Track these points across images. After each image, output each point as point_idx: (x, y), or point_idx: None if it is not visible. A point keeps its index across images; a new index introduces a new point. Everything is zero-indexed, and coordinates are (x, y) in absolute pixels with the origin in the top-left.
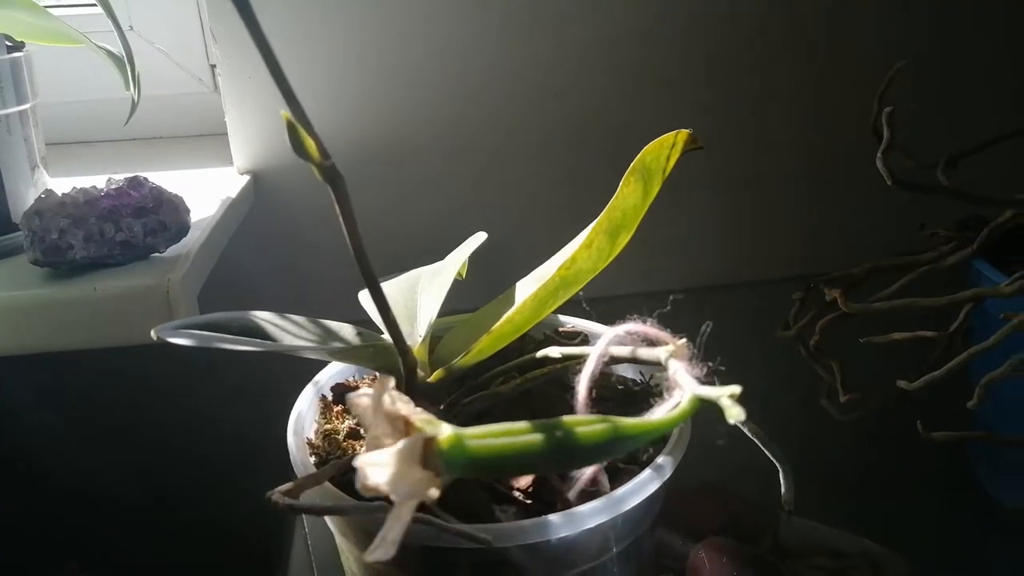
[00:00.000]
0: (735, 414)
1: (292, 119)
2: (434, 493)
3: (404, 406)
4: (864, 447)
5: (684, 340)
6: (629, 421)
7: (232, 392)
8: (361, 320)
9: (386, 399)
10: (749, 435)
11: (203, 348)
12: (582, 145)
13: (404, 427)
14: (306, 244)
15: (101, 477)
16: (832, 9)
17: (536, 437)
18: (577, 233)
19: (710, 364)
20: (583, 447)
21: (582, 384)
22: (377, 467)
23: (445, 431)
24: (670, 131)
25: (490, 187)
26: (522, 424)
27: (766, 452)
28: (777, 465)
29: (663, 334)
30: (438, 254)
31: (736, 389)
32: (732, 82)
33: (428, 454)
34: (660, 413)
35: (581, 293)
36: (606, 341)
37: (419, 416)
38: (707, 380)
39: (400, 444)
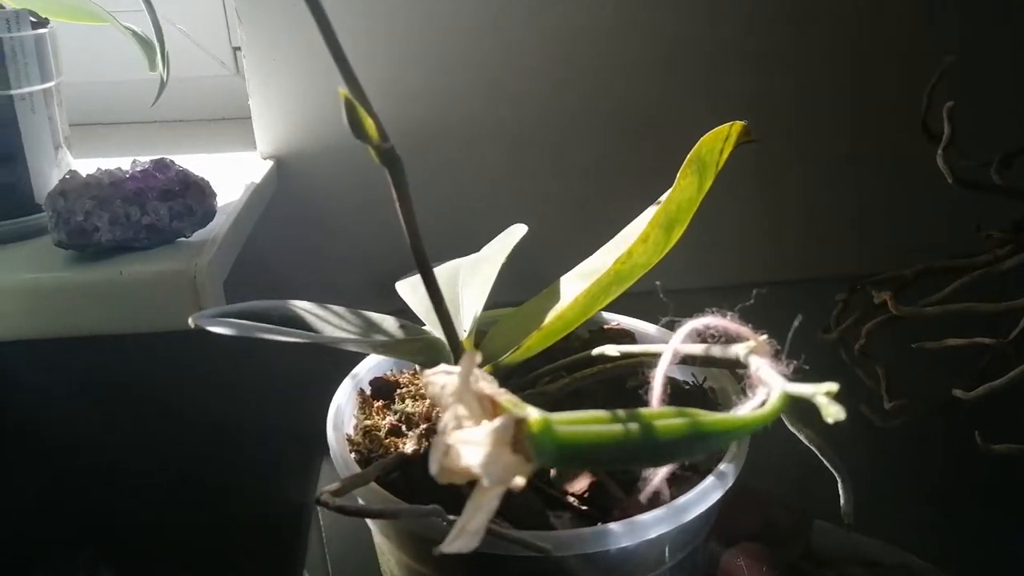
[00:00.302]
0: (833, 412)
1: (351, 98)
2: (521, 481)
3: (488, 385)
4: (902, 455)
5: (765, 336)
6: (712, 416)
7: (257, 382)
8: (391, 308)
9: (472, 377)
10: (806, 442)
11: (230, 336)
12: (610, 135)
13: (491, 407)
14: (330, 231)
15: (123, 463)
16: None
17: (622, 428)
18: (605, 225)
19: (794, 362)
20: (670, 441)
21: (656, 381)
22: (470, 445)
23: (534, 414)
24: (705, 125)
25: (516, 177)
26: (605, 413)
27: (824, 461)
28: (836, 475)
29: (744, 330)
30: (465, 243)
31: (833, 386)
32: (774, 75)
33: (518, 437)
34: (744, 411)
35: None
36: (681, 336)
37: (505, 396)
38: (794, 379)
39: (496, 423)
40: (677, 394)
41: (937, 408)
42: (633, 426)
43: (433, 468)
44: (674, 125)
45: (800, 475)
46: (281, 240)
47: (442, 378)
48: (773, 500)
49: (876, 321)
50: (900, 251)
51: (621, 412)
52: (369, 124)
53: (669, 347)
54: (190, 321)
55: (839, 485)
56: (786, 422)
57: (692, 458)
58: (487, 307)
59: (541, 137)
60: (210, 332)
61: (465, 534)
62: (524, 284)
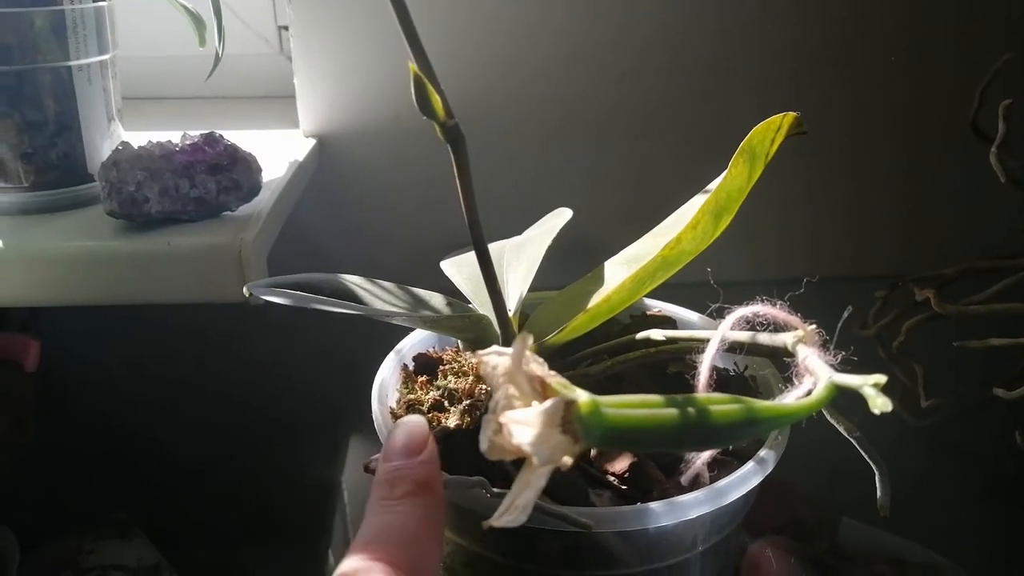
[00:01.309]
0: (880, 404)
1: (420, 74)
2: (568, 461)
3: (539, 367)
4: (931, 455)
5: (814, 326)
6: (763, 403)
7: (290, 362)
8: (431, 285)
9: (524, 358)
10: (845, 434)
11: (274, 308)
12: (658, 124)
13: (541, 388)
14: (371, 210)
15: (159, 432)
16: None
17: (672, 412)
18: (641, 212)
19: (843, 353)
20: (718, 426)
21: (704, 367)
22: (522, 426)
23: (582, 396)
24: (752, 117)
25: (556, 164)
26: (656, 397)
27: (863, 453)
28: (874, 468)
29: (793, 318)
30: (510, 225)
31: (881, 378)
32: (823, 70)
33: (568, 418)
34: (791, 399)
35: (709, 271)
36: (730, 322)
37: (555, 379)
38: (841, 369)
39: (547, 404)
40: (719, 381)
41: (973, 407)
42: (688, 410)
43: (483, 445)
44: (721, 117)
45: (829, 471)
46: (322, 217)
47: (494, 359)
48: (801, 495)
49: (918, 318)
50: (941, 251)
51: (675, 396)
52: (437, 101)
53: (718, 333)
54: (244, 290)
55: (876, 477)
56: (826, 413)
57: (739, 443)
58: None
59: (579, 128)
60: (251, 307)
61: (514, 509)
62: (564, 268)
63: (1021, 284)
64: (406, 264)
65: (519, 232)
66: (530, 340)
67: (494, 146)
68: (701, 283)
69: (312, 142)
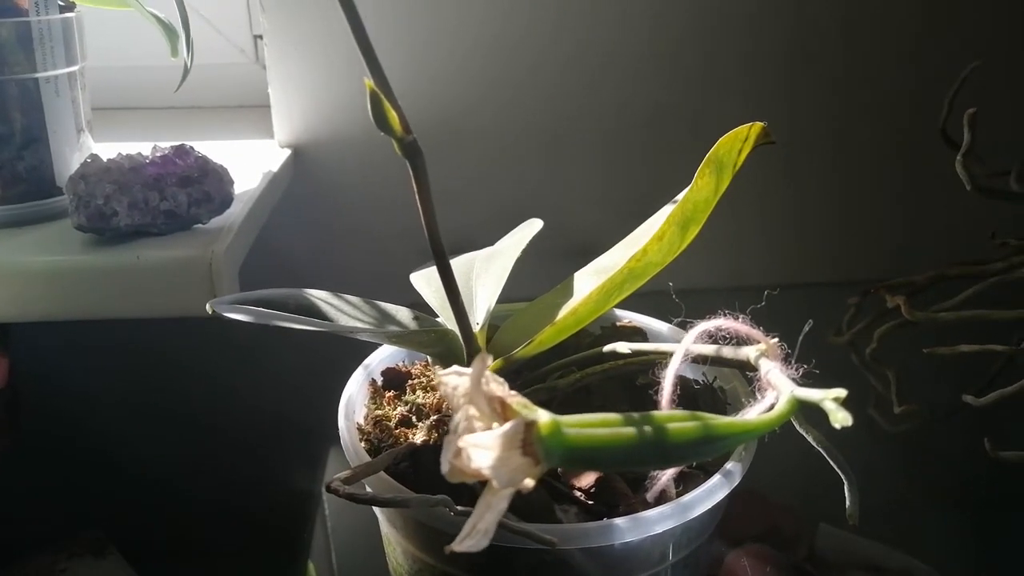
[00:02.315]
0: (840, 418)
1: (376, 90)
2: (530, 483)
3: (499, 387)
4: (908, 461)
5: (776, 339)
6: (722, 420)
7: (268, 371)
8: (406, 300)
9: (483, 379)
10: (814, 444)
11: (240, 322)
12: (628, 132)
13: (501, 409)
14: (346, 221)
15: (132, 447)
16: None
17: (630, 431)
18: (621, 222)
19: (805, 366)
20: (677, 444)
21: (667, 381)
22: (481, 449)
23: (543, 417)
24: (725, 125)
25: (535, 174)
26: (616, 416)
27: (831, 463)
28: (843, 477)
29: (755, 332)
30: (482, 241)
31: (841, 392)
32: (791, 77)
33: (528, 440)
34: (753, 414)
35: (671, 285)
36: (693, 336)
37: (515, 399)
38: (802, 382)
39: (506, 427)
40: (687, 393)
41: (946, 414)
42: (645, 429)
43: (444, 468)
44: (692, 123)
45: (805, 479)
46: (297, 229)
47: (454, 379)
48: (778, 503)
49: (889, 325)
50: (914, 257)
51: (633, 415)
52: (393, 116)
53: (680, 347)
54: (208, 307)
55: (845, 487)
56: (795, 423)
57: (700, 460)
58: (501, 301)
59: (557, 138)
60: (224, 319)
61: (476, 533)
62: (539, 280)
63: (990, 291)
64: (382, 276)
65: (493, 243)
66: (489, 360)
67: (466, 156)
68: (673, 291)
69: (287, 152)
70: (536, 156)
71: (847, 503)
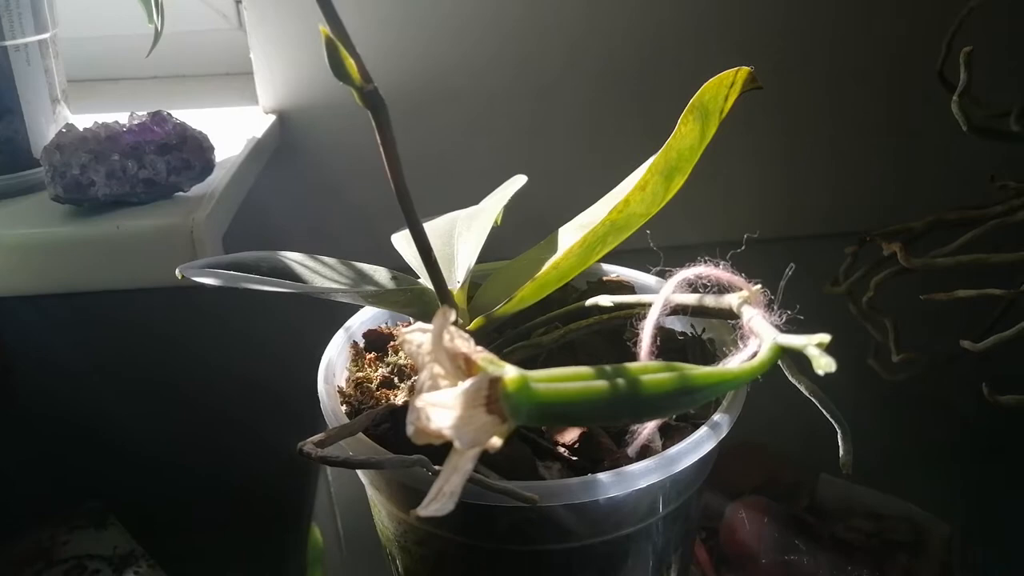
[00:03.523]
0: (824, 364)
1: (332, 37)
2: (497, 442)
3: (464, 343)
4: (910, 408)
5: (759, 286)
6: (700, 370)
7: (258, 336)
8: (394, 265)
9: (446, 335)
10: (807, 393)
11: (229, 289)
12: (619, 88)
13: (465, 366)
14: (335, 186)
15: (122, 418)
16: None
17: (603, 384)
18: (616, 178)
19: (787, 312)
20: (652, 396)
21: (646, 332)
22: (441, 408)
23: (510, 372)
24: (713, 73)
25: (524, 131)
26: (588, 369)
27: (824, 412)
28: (836, 426)
29: (737, 279)
30: (473, 200)
31: (825, 338)
32: (782, 20)
33: (493, 397)
34: (735, 363)
35: (640, 238)
36: (672, 286)
37: (481, 355)
38: (785, 330)
39: (467, 384)
40: (675, 345)
41: (945, 361)
42: (618, 381)
43: (409, 430)
44: (682, 72)
45: (806, 429)
46: (284, 196)
47: (418, 337)
48: (778, 454)
49: (885, 273)
50: (912, 205)
51: (606, 367)
52: (351, 64)
53: (659, 297)
54: (177, 272)
55: (839, 436)
56: (786, 372)
57: (678, 412)
58: (488, 259)
59: (549, 94)
60: (211, 287)
61: (441, 496)
62: (536, 238)
63: (989, 235)
64: (371, 241)
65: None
66: (452, 315)
67: (459, 118)
68: (664, 247)
69: (272, 118)
70: (521, 115)
71: (841, 452)
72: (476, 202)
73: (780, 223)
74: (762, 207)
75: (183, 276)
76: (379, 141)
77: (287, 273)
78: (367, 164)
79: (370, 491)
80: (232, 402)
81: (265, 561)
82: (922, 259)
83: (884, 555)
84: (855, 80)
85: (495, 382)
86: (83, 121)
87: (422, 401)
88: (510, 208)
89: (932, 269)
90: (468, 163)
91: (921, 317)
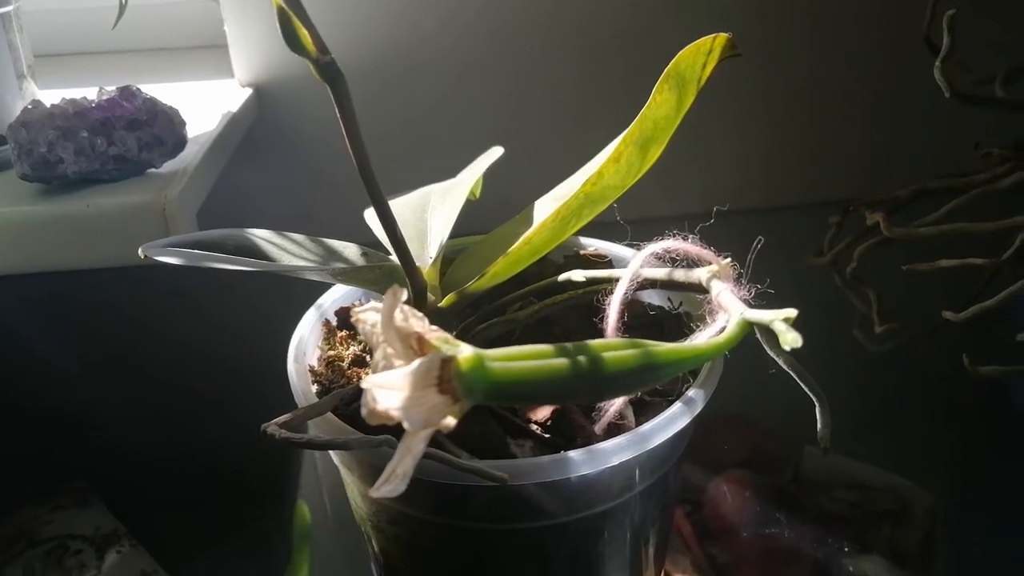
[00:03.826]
0: (790, 340)
1: (285, 7)
2: (450, 422)
3: (417, 322)
4: (894, 379)
5: (729, 259)
6: (664, 347)
7: (237, 314)
8: (372, 242)
9: (397, 314)
10: (784, 367)
11: (207, 268)
12: (599, 55)
13: (418, 346)
14: (315, 162)
15: (102, 399)
16: None
17: (564, 361)
18: (597, 151)
19: (757, 287)
20: (613, 374)
21: (612, 308)
22: (388, 390)
23: (465, 351)
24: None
25: (504, 102)
26: (547, 347)
27: (802, 385)
28: (814, 399)
29: (706, 252)
30: (451, 174)
31: (791, 312)
32: None
33: (445, 377)
34: (703, 339)
35: (617, 211)
36: (640, 260)
37: (435, 334)
38: (755, 304)
39: (415, 364)
40: (651, 320)
41: (928, 331)
42: (579, 359)
43: (363, 411)
44: (667, 40)
45: (791, 401)
46: (262, 172)
47: (371, 316)
48: (762, 427)
49: (868, 243)
50: (897, 175)
51: (567, 345)
52: (305, 35)
53: (626, 272)
54: (140, 251)
55: (817, 409)
56: (764, 346)
57: (641, 390)
58: (465, 234)
59: (528, 63)
60: (190, 267)
61: (394, 478)
62: (513, 211)
63: (975, 204)
64: (351, 217)
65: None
66: (404, 295)
67: (434, 92)
68: (643, 220)
69: (248, 92)
70: (500, 86)
71: (819, 425)
72: (455, 175)
73: (762, 194)
74: (744, 178)
75: (145, 256)
76: (339, 114)
77: (254, 251)
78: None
79: (343, 472)
80: (213, 381)
81: (249, 538)
82: (904, 229)
83: (867, 526)
84: (838, 46)
85: (447, 362)
86: (52, 97)
87: (369, 383)
88: (490, 182)
89: (914, 239)
90: (446, 135)
91: (907, 288)
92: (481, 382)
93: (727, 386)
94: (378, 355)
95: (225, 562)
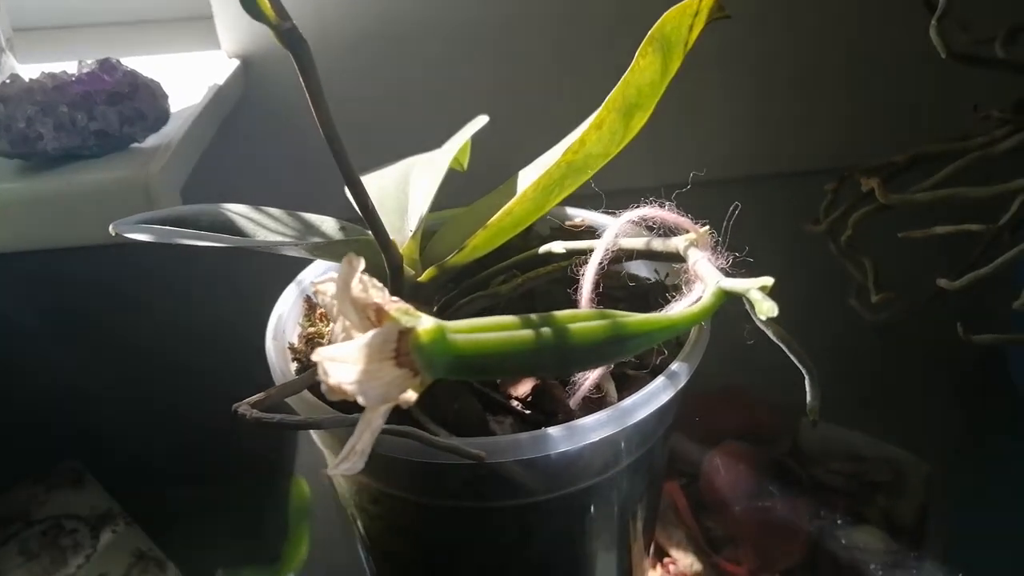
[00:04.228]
0: (766, 309)
1: None
2: (410, 396)
3: (377, 292)
4: (891, 348)
5: (706, 227)
6: (635, 318)
7: (221, 291)
8: (356, 217)
9: (355, 284)
10: (773, 337)
11: (187, 246)
12: (586, 15)
13: (376, 318)
14: (306, 135)
15: (92, 378)
16: None
17: (528, 333)
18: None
19: (736, 255)
20: (581, 346)
21: (586, 279)
22: (341, 363)
23: (425, 323)
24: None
25: (491, 69)
26: (513, 318)
27: (791, 356)
28: (803, 371)
29: (683, 220)
30: (432, 144)
31: (768, 281)
32: None
33: (403, 349)
34: (678, 309)
35: (602, 182)
36: (615, 230)
37: (395, 305)
38: (733, 273)
39: (368, 336)
40: (636, 291)
41: (925, 300)
42: (543, 331)
43: (323, 387)
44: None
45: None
46: (250, 146)
47: (331, 287)
48: (758, 399)
49: (864, 211)
50: (897, 141)
51: (532, 316)
52: (263, 1)
53: (601, 243)
54: (111, 228)
55: (806, 381)
56: (753, 317)
57: (609, 362)
58: (451, 206)
59: (513, 26)
60: (174, 244)
61: (353, 455)
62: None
63: (974, 168)
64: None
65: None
66: (361, 263)
67: (418, 56)
68: (631, 190)
69: (235, 63)
70: (486, 51)
71: (808, 398)
72: (437, 144)
73: (757, 161)
74: (733, 146)
75: (116, 232)
76: (303, 83)
77: (229, 227)
78: (337, 113)
79: (325, 452)
80: (205, 357)
81: (244, 516)
82: (900, 195)
83: (863, 496)
84: (831, 4)
85: (404, 334)
86: (32, 72)
87: (320, 355)
88: (481, 154)
89: (910, 205)
90: (433, 106)
91: (905, 257)
92: (442, 355)
93: (723, 357)
94: (337, 327)
95: (220, 540)
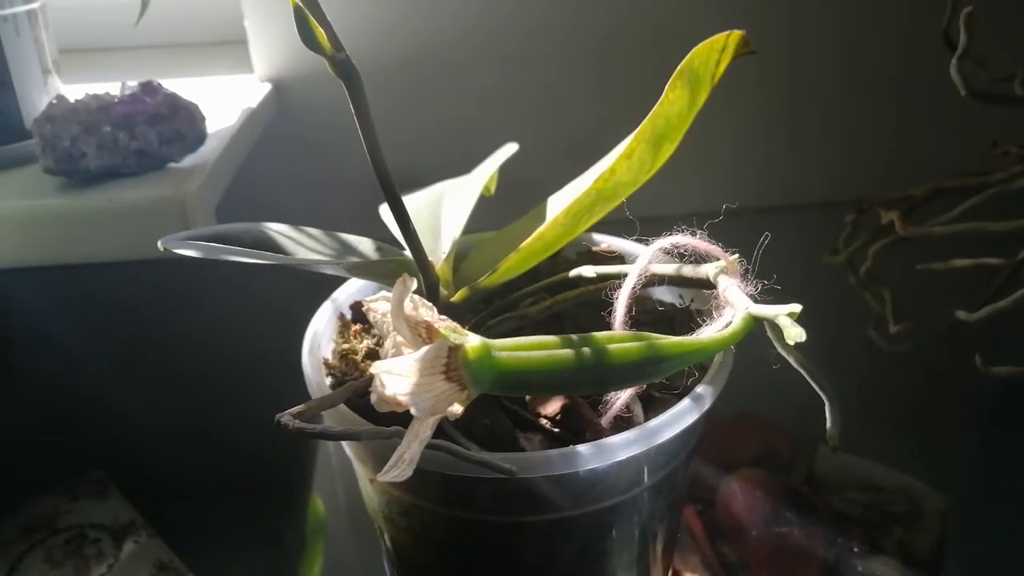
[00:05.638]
0: (794, 335)
1: (301, 5)
2: (457, 409)
3: (427, 311)
4: (909, 379)
5: (736, 255)
6: (669, 340)
7: (253, 307)
8: (388, 238)
9: (407, 303)
10: (795, 364)
11: (221, 262)
12: (616, 49)
13: (427, 334)
14: (333, 157)
15: (120, 390)
16: None
17: (569, 352)
18: (613, 145)
19: (764, 283)
20: (618, 366)
21: (620, 302)
22: (396, 376)
23: (473, 341)
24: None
25: (519, 95)
26: (554, 338)
27: (812, 384)
28: (823, 398)
29: (714, 248)
30: (463, 168)
31: (796, 307)
32: None
33: (453, 365)
34: (708, 333)
35: (630, 208)
36: (648, 256)
37: (444, 324)
38: (762, 300)
39: (422, 351)
40: (662, 316)
41: (943, 331)
42: (584, 351)
43: (372, 398)
44: (681, 41)
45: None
46: (281, 167)
47: (382, 305)
48: (776, 426)
49: (883, 243)
50: (917, 174)
51: (572, 336)
52: (320, 33)
53: (635, 268)
54: (159, 244)
55: (826, 408)
56: (775, 343)
57: (646, 382)
58: (479, 229)
59: (543, 55)
60: (198, 260)
61: (401, 463)
62: (525, 210)
63: (992, 204)
64: (369, 212)
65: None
66: (413, 284)
67: (451, 87)
68: (657, 217)
69: (267, 87)
70: (518, 85)
71: (828, 424)
72: (464, 167)
73: (778, 192)
74: (759, 177)
75: (164, 248)
76: (353, 112)
77: (270, 245)
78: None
79: (356, 464)
80: (232, 374)
81: (264, 531)
82: (919, 228)
83: (879, 527)
84: (856, 43)
85: (454, 350)
86: (75, 92)
87: (377, 368)
88: (508, 179)
89: (929, 238)
90: (462, 132)
91: (923, 288)
92: (487, 371)
93: (741, 384)
94: (388, 344)
95: (240, 554)
